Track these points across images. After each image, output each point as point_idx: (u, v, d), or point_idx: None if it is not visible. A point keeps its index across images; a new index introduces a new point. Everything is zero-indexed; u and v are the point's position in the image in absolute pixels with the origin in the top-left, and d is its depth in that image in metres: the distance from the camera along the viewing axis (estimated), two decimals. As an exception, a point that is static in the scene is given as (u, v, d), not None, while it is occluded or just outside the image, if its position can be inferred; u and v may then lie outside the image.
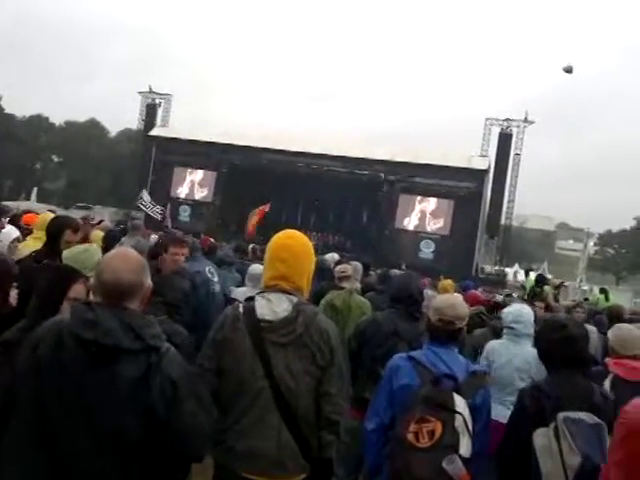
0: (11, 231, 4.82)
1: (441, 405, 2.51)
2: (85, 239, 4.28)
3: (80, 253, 3.31)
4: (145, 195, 22.35)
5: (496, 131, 31.46)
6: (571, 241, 73.22)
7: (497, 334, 4.69)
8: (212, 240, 9.55)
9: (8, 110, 51.43)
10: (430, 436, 2.47)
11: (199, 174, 34.37)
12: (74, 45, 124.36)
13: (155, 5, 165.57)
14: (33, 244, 4.19)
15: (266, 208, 20.49)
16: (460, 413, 2.51)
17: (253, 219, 19.78)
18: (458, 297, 3.31)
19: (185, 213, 33.77)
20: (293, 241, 2.49)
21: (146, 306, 2.05)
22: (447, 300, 3.00)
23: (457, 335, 2.89)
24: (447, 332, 2.83)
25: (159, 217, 20.63)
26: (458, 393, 2.56)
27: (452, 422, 2.49)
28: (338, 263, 5.84)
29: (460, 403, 2.53)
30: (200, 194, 34.32)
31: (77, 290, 2.38)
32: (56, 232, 3.84)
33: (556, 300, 8.24)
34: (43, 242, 4.18)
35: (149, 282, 1.99)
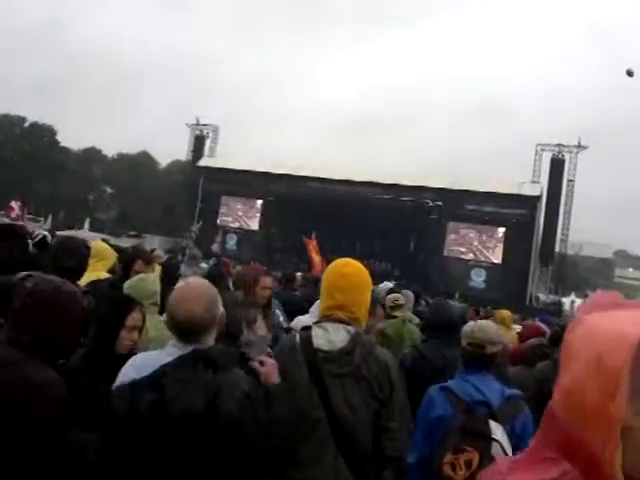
0: None
1: (477, 433, 2.44)
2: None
3: (138, 281, 3.38)
4: (197, 228, 22.55)
5: (547, 157, 31.08)
6: (630, 269, 70.60)
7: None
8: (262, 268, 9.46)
9: (63, 143, 53.70)
10: (467, 466, 2.39)
11: (246, 203, 34.89)
12: (126, 79, 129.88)
13: (201, 40, 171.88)
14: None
15: (314, 242, 20.25)
16: (497, 440, 2.41)
17: (314, 255, 19.34)
18: (490, 322, 3.20)
19: (232, 241, 34.31)
20: (351, 270, 2.41)
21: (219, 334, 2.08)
22: (478, 324, 2.90)
23: (490, 361, 2.77)
24: (478, 357, 2.73)
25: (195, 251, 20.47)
26: (494, 420, 2.48)
27: (489, 450, 2.39)
28: (389, 292, 5.70)
29: (497, 430, 2.44)
30: (247, 223, 34.78)
31: (134, 318, 2.48)
32: (128, 262, 4.01)
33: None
34: (95, 270, 4.19)
35: (221, 311, 2.03)
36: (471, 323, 2.99)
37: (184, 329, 1.94)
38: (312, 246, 19.41)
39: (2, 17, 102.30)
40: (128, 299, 2.67)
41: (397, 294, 5.48)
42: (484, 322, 3.05)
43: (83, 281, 3.86)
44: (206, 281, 2.11)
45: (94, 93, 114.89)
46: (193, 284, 2.08)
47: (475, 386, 2.65)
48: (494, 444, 2.40)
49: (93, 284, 3.76)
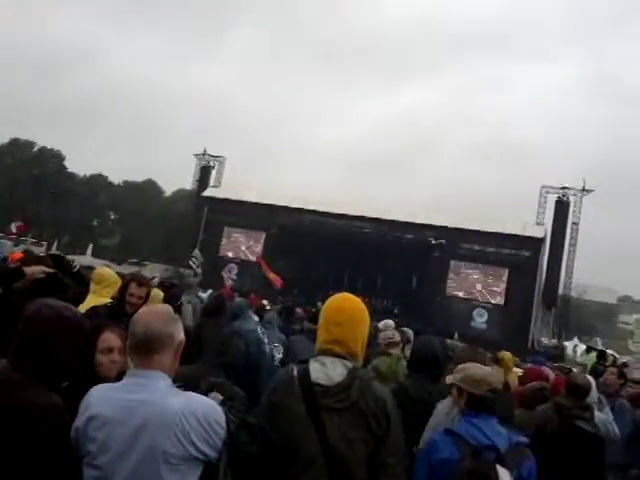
0: None
1: (484, 478, 2.40)
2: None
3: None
4: (197, 254, 22.53)
5: (552, 199, 31.19)
6: (635, 315, 70.19)
7: (560, 412, 4.35)
8: (263, 301, 9.49)
9: (71, 169, 54.29)
10: None
11: (248, 234, 34.95)
12: (138, 110, 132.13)
13: (212, 73, 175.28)
14: (91, 298, 4.18)
15: (262, 261, 20.95)
16: None
17: (269, 274, 20.06)
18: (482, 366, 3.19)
19: (233, 272, 34.14)
20: (349, 304, 2.42)
21: (178, 362, 2.05)
22: (486, 370, 2.91)
23: (494, 404, 2.79)
24: (493, 401, 2.75)
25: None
26: (501, 465, 2.45)
27: None
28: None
29: (504, 475, 2.41)
30: (248, 254, 34.74)
31: (106, 340, 2.44)
32: (123, 287, 4.06)
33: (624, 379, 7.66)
34: (100, 296, 4.24)
35: (181, 336, 2.01)
36: (478, 370, 2.95)
37: (140, 342, 1.93)
38: (264, 266, 20.08)
39: (22, 48, 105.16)
40: (99, 321, 2.63)
41: (392, 331, 5.49)
42: (485, 367, 3.05)
43: (85, 306, 3.88)
44: (168, 307, 2.13)
45: (104, 121, 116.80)
46: (153, 307, 2.19)
47: (481, 430, 2.64)
48: None
49: (93, 309, 3.81)
